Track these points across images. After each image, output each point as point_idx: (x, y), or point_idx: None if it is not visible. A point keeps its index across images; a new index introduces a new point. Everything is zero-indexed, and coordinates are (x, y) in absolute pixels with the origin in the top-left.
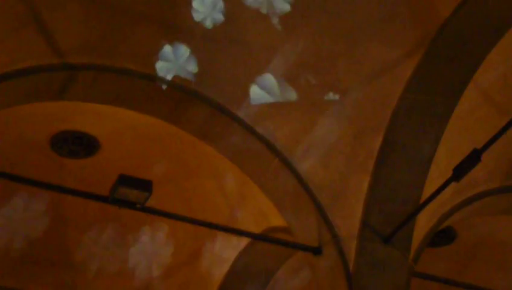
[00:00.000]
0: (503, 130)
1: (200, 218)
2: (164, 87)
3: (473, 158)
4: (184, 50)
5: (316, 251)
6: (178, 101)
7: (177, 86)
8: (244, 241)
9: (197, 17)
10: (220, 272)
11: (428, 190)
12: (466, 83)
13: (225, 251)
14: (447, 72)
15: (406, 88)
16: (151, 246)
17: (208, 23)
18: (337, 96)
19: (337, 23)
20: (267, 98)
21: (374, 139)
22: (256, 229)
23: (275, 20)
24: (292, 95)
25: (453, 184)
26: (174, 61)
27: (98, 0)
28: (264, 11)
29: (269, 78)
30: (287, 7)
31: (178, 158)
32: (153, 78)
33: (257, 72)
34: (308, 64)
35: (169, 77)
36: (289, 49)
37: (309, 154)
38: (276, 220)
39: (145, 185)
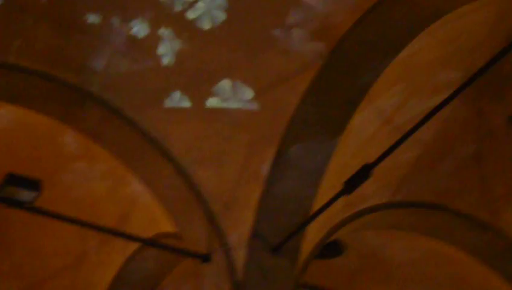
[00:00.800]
0: (394, 146)
1: (89, 221)
2: (58, 86)
3: (364, 173)
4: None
5: (205, 258)
6: (72, 101)
7: (72, 86)
8: (133, 246)
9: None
10: (106, 277)
11: (319, 202)
12: (361, 98)
13: (113, 256)
14: (343, 86)
15: (302, 100)
16: (38, 247)
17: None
18: (233, 105)
19: (235, 32)
20: (164, 104)
21: (268, 149)
22: (146, 235)
23: (175, 27)
24: (189, 101)
25: (343, 197)
26: (71, 61)
27: None
28: (163, 18)
29: (166, 84)
30: (187, 14)
31: (70, 159)
32: (47, 76)
33: (154, 77)
34: (206, 71)
35: (64, 76)
36: (187, 56)
37: (203, 162)
38: (167, 226)
39: (34, 185)
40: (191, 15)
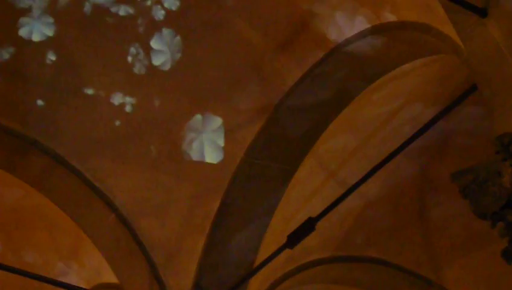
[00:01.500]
0: (338, 200)
1: (31, 270)
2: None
3: (308, 226)
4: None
5: None
6: (15, 148)
7: (15, 133)
8: None
9: (40, 64)
10: None
11: (262, 254)
12: (306, 152)
13: None
14: (287, 140)
15: (247, 152)
16: None
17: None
18: (178, 156)
19: (182, 83)
20: (109, 154)
21: (212, 201)
22: (87, 285)
23: (121, 76)
24: (133, 152)
25: (287, 250)
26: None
27: None
28: (110, 69)
29: (111, 133)
30: (134, 66)
31: (11, 207)
32: None
33: (100, 126)
34: (152, 122)
35: (7, 123)
36: (132, 106)
37: (146, 212)
38: (109, 276)
39: None
40: (137, 66)
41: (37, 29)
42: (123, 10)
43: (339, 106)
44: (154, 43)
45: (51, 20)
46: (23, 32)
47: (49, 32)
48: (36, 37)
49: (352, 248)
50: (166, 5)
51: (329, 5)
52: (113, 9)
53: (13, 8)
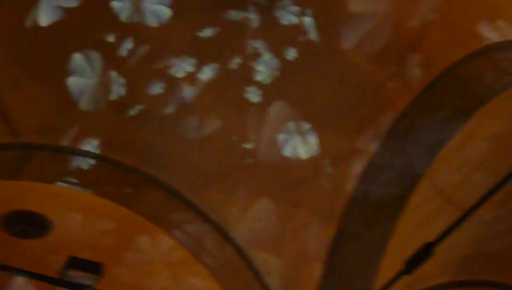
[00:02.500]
0: (456, 224)
1: None
2: (117, 169)
3: (425, 251)
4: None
5: None
6: (131, 183)
7: (131, 168)
8: None
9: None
10: None
11: (379, 281)
12: (420, 176)
13: None
14: (401, 164)
15: (361, 179)
16: None
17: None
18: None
19: (292, 111)
20: (223, 185)
21: (328, 229)
22: None
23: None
24: (247, 182)
25: (404, 277)
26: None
27: (57, 83)
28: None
29: (225, 165)
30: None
31: (131, 242)
32: (107, 159)
33: (214, 159)
34: (264, 152)
35: (122, 159)
36: (243, 137)
37: (262, 242)
38: None
39: (95, 268)
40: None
41: None
42: None
43: (450, 129)
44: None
45: None
46: None
47: None
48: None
49: (470, 272)
50: None
51: (440, 28)
52: None
53: None
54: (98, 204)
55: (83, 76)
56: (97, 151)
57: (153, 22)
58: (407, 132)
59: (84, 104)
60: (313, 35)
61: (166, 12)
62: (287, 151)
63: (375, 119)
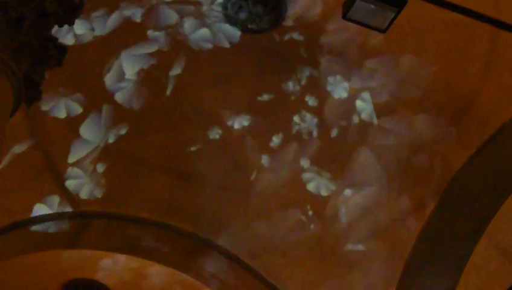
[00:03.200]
0: None
1: None
2: (175, 235)
3: None
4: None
5: None
6: (189, 250)
7: (189, 234)
8: None
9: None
10: None
11: None
12: (479, 235)
13: None
14: (459, 224)
15: (419, 238)
16: None
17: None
18: (357, 247)
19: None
20: (279, 249)
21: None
22: None
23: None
24: (303, 245)
25: None
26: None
27: (115, 150)
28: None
29: (281, 230)
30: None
31: None
32: (165, 226)
33: (269, 223)
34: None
35: (181, 226)
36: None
37: None
38: None
39: None
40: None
41: None
42: None
43: (508, 187)
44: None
45: None
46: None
47: None
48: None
49: None
50: None
51: (493, 85)
52: None
53: None
54: (156, 271)
55: None
56: (156, 219)
57: None
58: (464, 189)
59: None
60: None
61: None
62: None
63: (432, 178)
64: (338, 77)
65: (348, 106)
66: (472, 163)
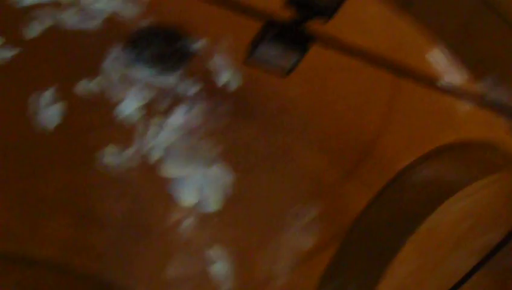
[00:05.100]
0: None
1: None
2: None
3: None
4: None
5: None
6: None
7: (90, 275)
8: None
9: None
10: None
11: None
12: (380, 276)
13: None
14: (361, 265)
15: (320, 281)
16: None
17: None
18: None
19: (253, 213)
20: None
21: None
22: None
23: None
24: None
25: None
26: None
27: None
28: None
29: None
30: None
31: None
32: (65, 269)
33: (174, 262)
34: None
35: (83, 266)
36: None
37: None
38: None
39: None
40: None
41: None
42: None
43: (408, 229)
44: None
45: None
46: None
47: None
48: None
49: None
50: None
51: (394, 130)
52: None
53: None
54: None
55: None
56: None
57: None
58: (363, 233)
59: None
60: None
61: None
62: None
63: (332, 221)
64: None
65: None
66: (374, 205)
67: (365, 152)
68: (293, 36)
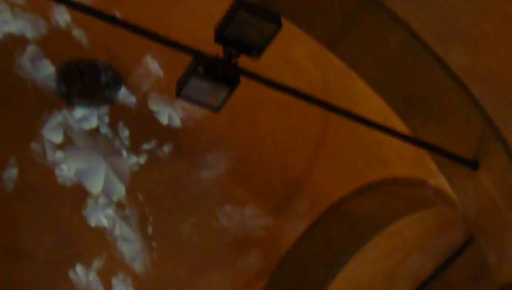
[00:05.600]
0: None
1: None
2: None
3: None
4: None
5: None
6: None
7: None
8: None
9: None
10: None
11: None
12: None
13: None
14: None
15: None
16: None
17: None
18: None
19: (181, 249)
20: None
21: None
22: None
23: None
24: None
25: None
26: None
27: None
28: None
29: None
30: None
31: None
32: None
33: None
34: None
35: None
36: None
37: None
38: None
39: None
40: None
41: None
42: None
43: (337, 265)
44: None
45: None
46: None
47: None
48: None
49: None
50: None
51: (324, 165)
52: None
53: None
54: None
55: None
56: None
57: None
58: (292, 270)
59: None
60: None
61: None
62: None
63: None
64: None
65: None
66: (302, 241)
67: (294, 188)
68: (222, 72)
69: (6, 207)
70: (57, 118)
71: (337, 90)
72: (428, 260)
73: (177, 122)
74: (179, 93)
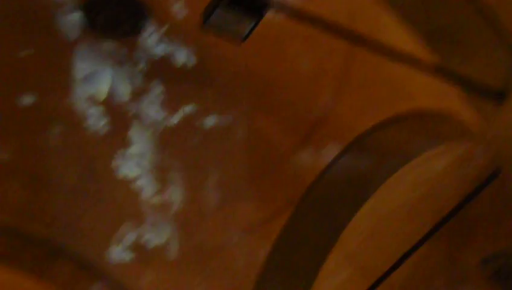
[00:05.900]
0: None
1: None
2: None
3: None
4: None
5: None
6: (42, 255)
7: (42, 240)
8: None
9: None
10: None
11: None
12: (332, 244)
13: None
14: (313, 233)
15: (274, 246)
16: None
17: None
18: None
19: (207, 179)
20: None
21: None
22: None
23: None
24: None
25: None
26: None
27: None
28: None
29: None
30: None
31: None
32: (16, 233)
33: (124, 231)
34: (178, 220)
35: (34, 231)
36: (159, 206)
37: None
38: None
39: None
40: None
41: None
42: None
43: (363, 197)
44: None
45: None
46: None
47: None
48: None
49: None
50: None
51: (348, 98)
52: None
53: None
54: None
55: None
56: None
57: None
58: (317, 201)
59: None
60: None
61: None
62: None
63: (285, 189)
64: None
65: None
66: (327, 173)
67: (319, 120)
68: (248, 2)
69: (34, 135)
70: (83, 48)
71: (364, 22)
72: (452, 194)
73: (203, 58)
74: (204, 22)
